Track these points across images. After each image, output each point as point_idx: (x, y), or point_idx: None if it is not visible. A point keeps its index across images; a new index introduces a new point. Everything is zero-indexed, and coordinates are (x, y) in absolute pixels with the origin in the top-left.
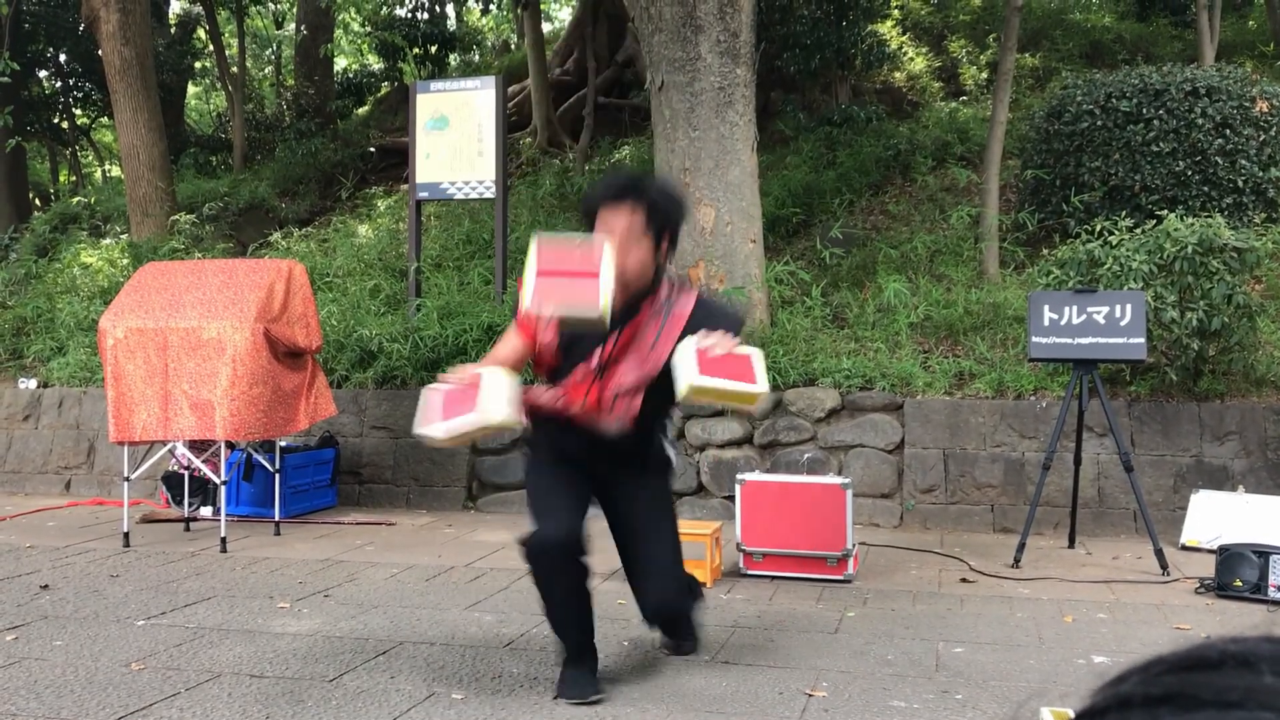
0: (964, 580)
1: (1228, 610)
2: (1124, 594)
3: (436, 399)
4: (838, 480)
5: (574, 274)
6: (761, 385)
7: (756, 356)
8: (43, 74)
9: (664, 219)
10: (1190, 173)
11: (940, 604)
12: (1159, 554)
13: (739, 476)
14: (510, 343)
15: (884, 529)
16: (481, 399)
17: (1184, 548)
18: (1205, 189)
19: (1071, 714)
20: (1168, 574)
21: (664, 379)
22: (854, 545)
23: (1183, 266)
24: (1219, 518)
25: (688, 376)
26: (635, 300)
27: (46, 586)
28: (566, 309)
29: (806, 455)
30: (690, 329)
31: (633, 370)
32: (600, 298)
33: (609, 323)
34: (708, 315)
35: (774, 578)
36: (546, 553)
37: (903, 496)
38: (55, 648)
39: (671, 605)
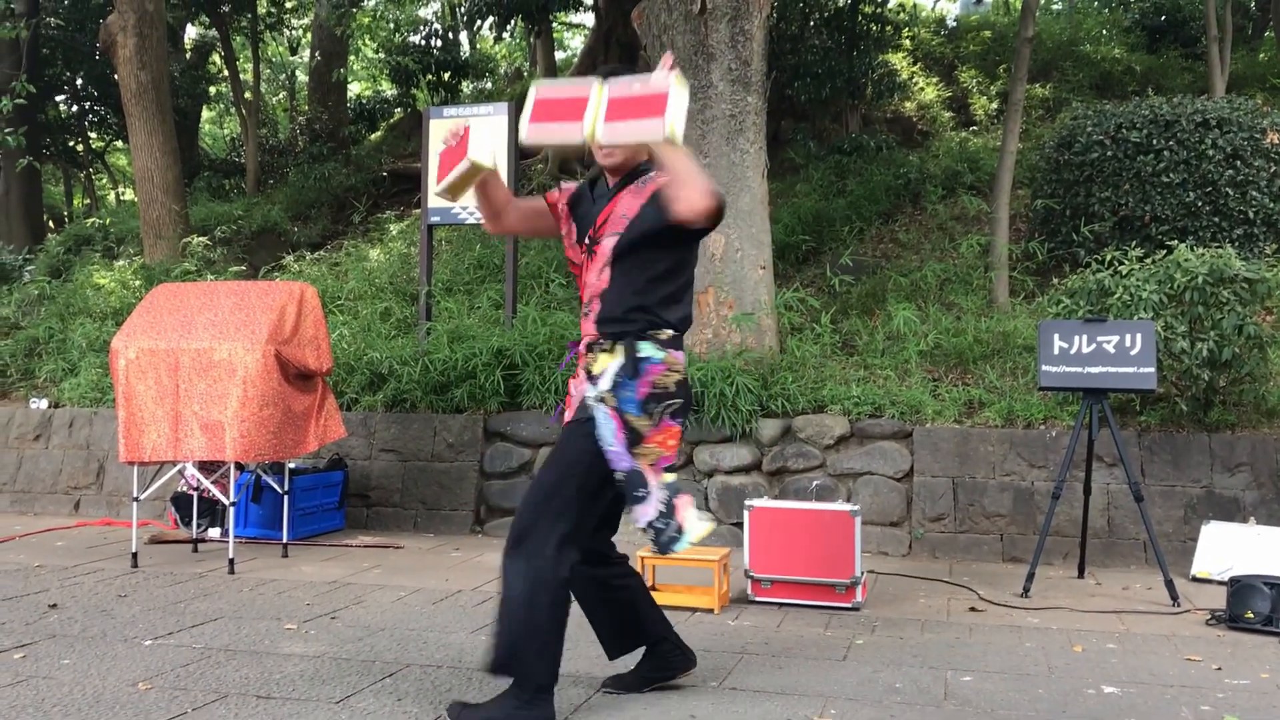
0: (973, 609)
1: (1239, 642)
2: (1134, 624)
3: (442, 155)
4: (846, 507)
5: (637, 102)
6: (671, 122)
7: (675, 91)
8: (59, 97)
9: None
10: (1201, 203)
11: (949, 633)
12: (1169, 585)
13: (747, 503)
14: (532, 202)
15: (892, 557)
16: (470, 146)
17: (1194, 579)
18: (1216, 220)
19: None
20: (1178, 605)
21: (637, 269)
22: (862, 573)
23: (1193, 297)
24: (1230, 549)
25: (596, 122)
26: (624, 181)
27: (55, 606)
28: (635, 135)
29: (815, 483)
30: (654, 197)
31: (607, 240)
32: (665, 125)
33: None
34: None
35: (782, 604)
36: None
37: (911, 525)
38: (63, 666)
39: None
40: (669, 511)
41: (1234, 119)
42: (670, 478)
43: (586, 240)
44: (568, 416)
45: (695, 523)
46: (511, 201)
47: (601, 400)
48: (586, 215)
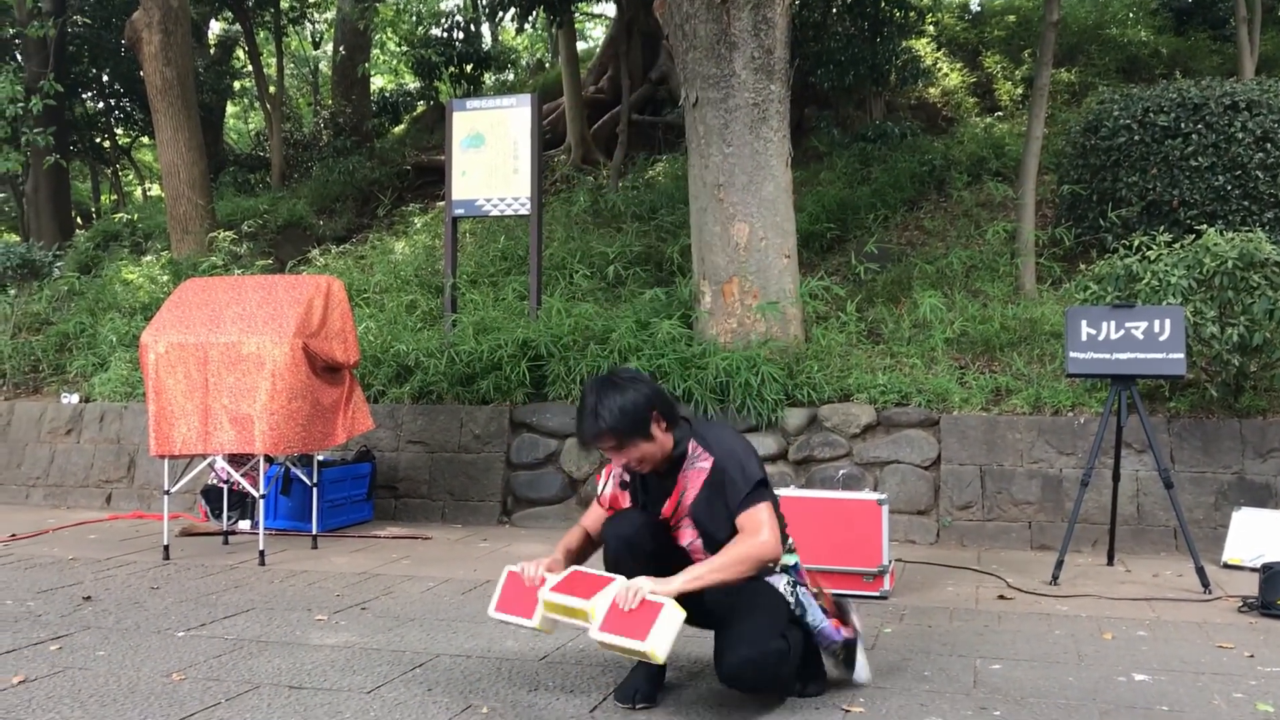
0: (1001, 597)
1: (1271, 629)
2: (1164, 612)
3: (507, 581)
4: (874, 496)
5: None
6: (652, 644)
7: (667, 611)
8: (86, 94)
9: (636, 425)
10: (1230, 187)
11: (977, 621)
12: (1200, 571)
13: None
14: (595, 518)
15: (920, 545)
16: (538, 612)
17: (1226, 566)
18: (1245, 203)
19: None
20: (1209, 592)
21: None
22: (890, 561)
23: (1223, 281)
24: (1262, 536)
25: (592, 630)
26: (671, 470)
27: (89, 598)
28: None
29: (842, 471)
30: (703, 495)
31: (689, 533)
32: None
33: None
34: (720, 488)
35: None
36: None
37: (939, 513)
38: (98, 658)
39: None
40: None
41: (1264, 101)
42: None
43: (670, 524)
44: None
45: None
46: (589, 539)
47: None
48: (648, 499)
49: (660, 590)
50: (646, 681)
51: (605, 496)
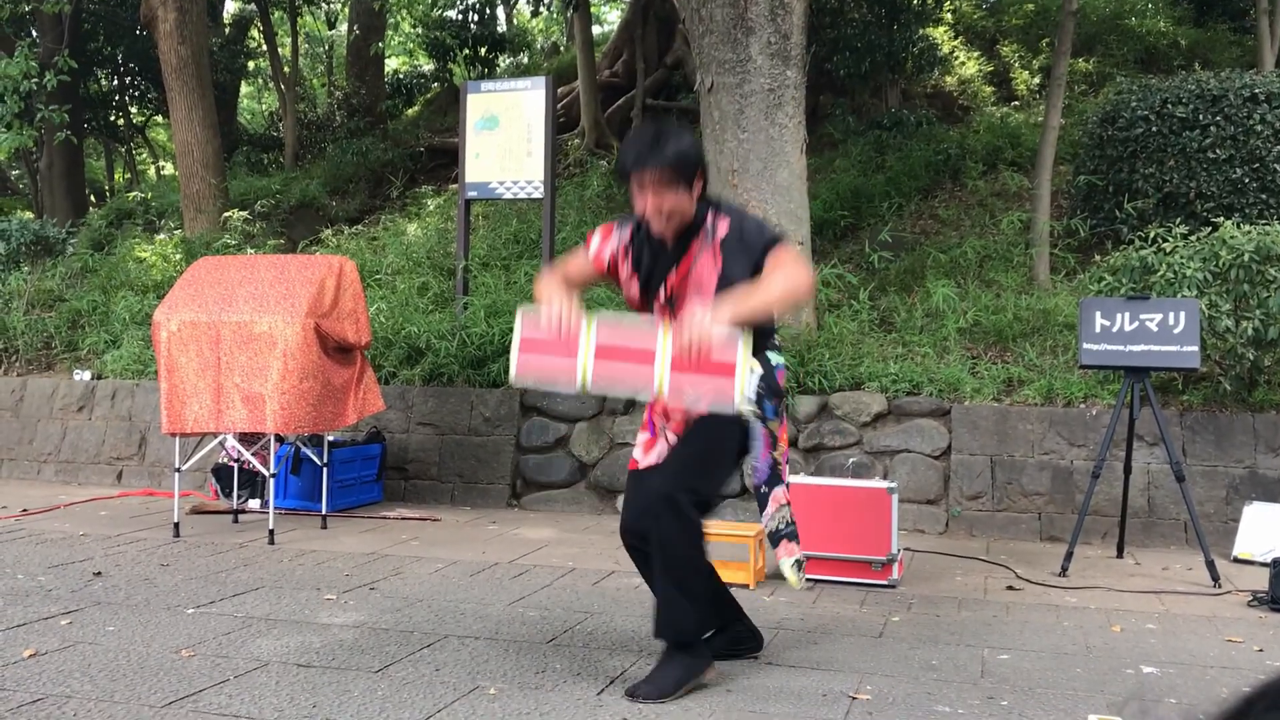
0: (1010, 588)
1: None
2: (1174, 605)
3: (532, 334)
4: (883, 484)
5: (633, 357)
6: (740, 391)
7: (744, 352)
8: (100, 72)
9: (688, 169)
10: (1248, 180)
11: (986, 611)
12: (1210, 565)
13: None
14: (579, 264)
15: (929, 535)
16: (581, 356)
17: (1236, 560)
18: (1263, 196)
19: None
20: (1219, 586)
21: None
22: (899, 550)
23: (1238, 275)
24: (1273, 530)
25: (663, 377)
26: (685, 237)
27: (99, 574)
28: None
29: (852, 460)
30: (725, 253)
31: (695, 303)
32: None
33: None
34: (739, 238)
35: (818, 581)
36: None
37: (949, 503)
38: (108, 633)
39: (659, 490)
40: (773, 539)
41: None
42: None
43: (663, 296)
44: (651, 454)
45: (792, 571)
46: (568, 283)
47: (755, 416)
48: (654, 268)
49: (716, 318)
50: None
51: (600, 257)
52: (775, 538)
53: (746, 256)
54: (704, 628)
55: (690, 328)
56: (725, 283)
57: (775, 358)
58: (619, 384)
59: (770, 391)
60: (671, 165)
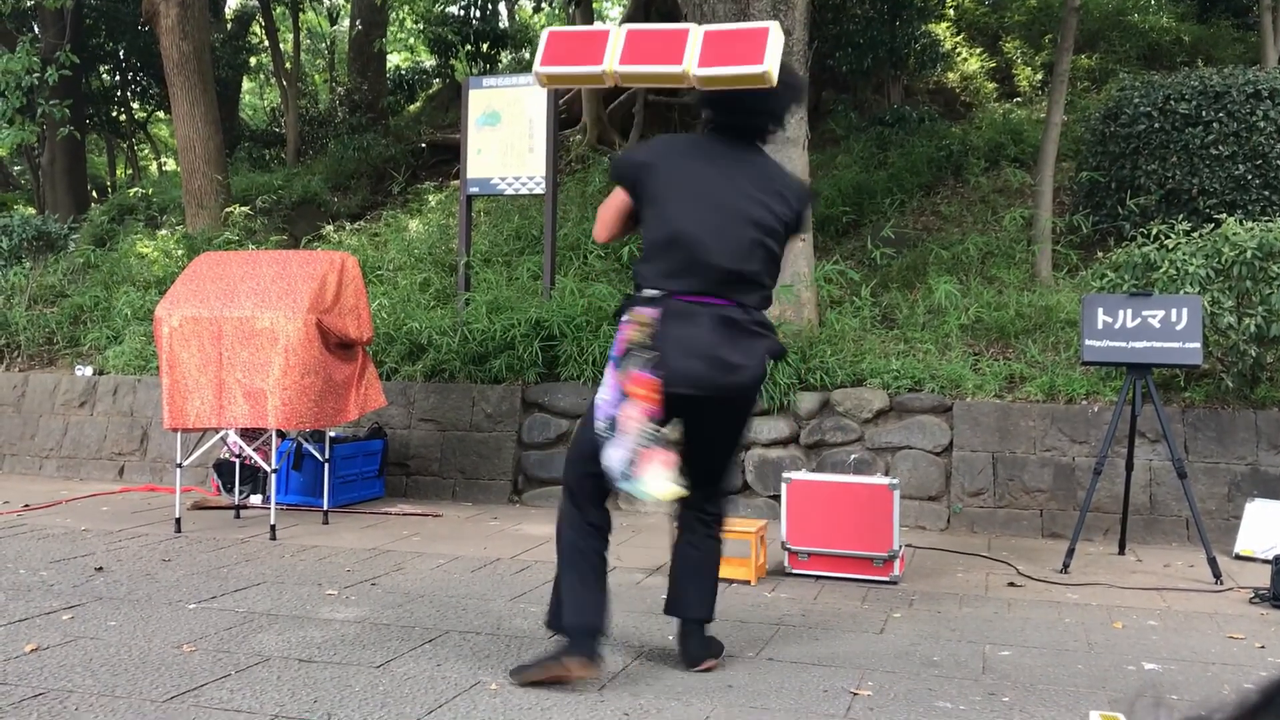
0: (1011, 584)
1: None
2: (1175, 602)
3: (551, 40)
4: (885, 480)
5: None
6: (769, 64)
7: (774, 30)
8: (102, 68)
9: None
10: (1250, 176)
11: (987, 607)
12: (1212, 562)
13: (785, 475)
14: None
15: (931, 532)
16: (608, 53)
17: (1238, 557)
18: (1266, 193)
19: (1122, 718)
20: (1221, 583)
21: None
22: (900, 547)
23: (1241, 271)
24: (1275, 527)
25: (691, 65)
26: None
27: (101, 569)
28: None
29: (853, 456)
30: None
31: None
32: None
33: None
34: None
35: (819, 577)
36: None
37: (950, 499)
38: (109, 628)
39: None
40: (634, 459)
41: None
42: (656, 430)
43: None
44: None
45: (659, 481)
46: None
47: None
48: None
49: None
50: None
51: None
52: (634, 457)
53: None
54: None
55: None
56: None
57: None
58: (643, 75)
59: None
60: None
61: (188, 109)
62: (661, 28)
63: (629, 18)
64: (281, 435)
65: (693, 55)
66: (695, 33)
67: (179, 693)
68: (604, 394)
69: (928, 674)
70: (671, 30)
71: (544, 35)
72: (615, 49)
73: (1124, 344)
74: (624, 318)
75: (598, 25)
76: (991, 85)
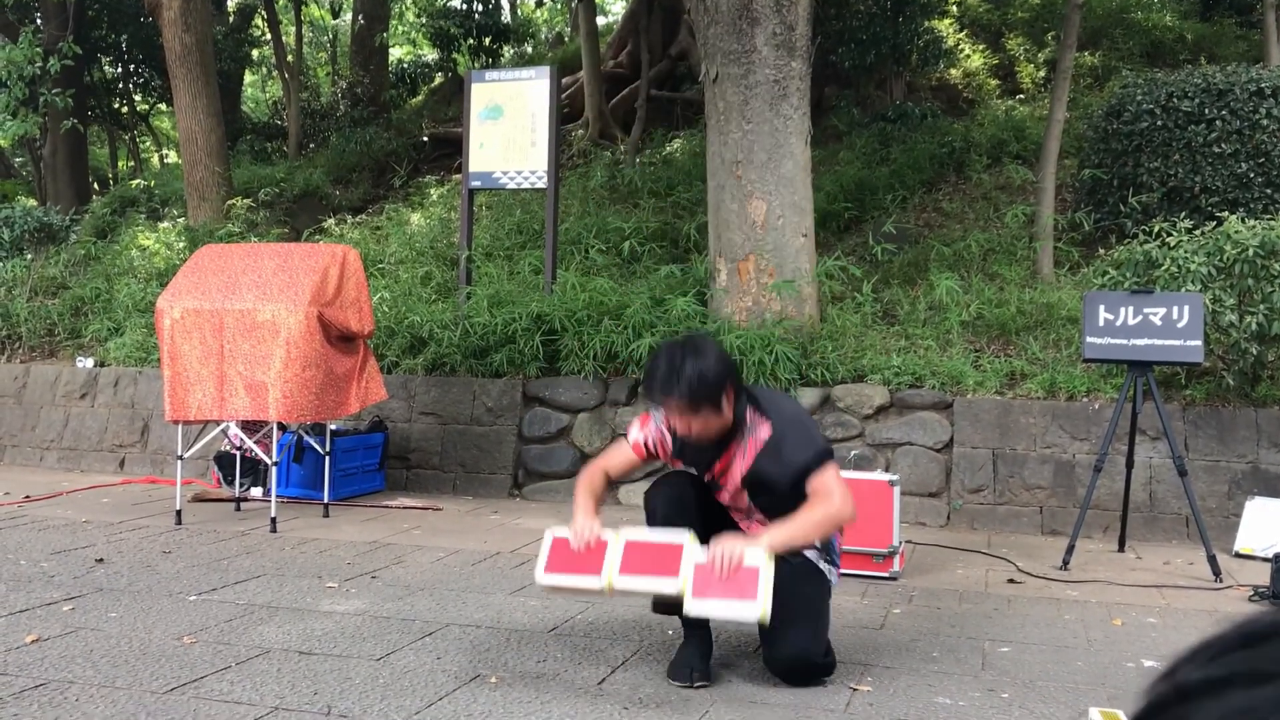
0: (1011, 581)
1: None
2: (1175, 599)
3: (555, 547)
4: (885, 476)
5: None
6: (762, 606)
7: (765, 570)
8: (105, 59)
9: (710, 393)
10: (1253, 174)
11: (987, 604)
12: (1212, 560)
13: None
14: (620, 455)
15: (931, 528)
16: (606, 566)
17: (1237, 555)
18: (1268, 191)
19: (1123, 716)
20: (1220, 581)
21: (786, 499)
22: (900, 543)
23: (1243, 269)
24: (1275, 525)
25: (686, 599)
26: (725, 439)
27: (101, 560)
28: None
29: (854, 452)
30: (763, 459)
31: (727, 495)
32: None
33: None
34: (778, 452)
35: None
36: None
37: (950, 496)
38: (110, 619)
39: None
40: None
41: None
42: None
43: (708, 478)
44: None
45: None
46: (608, 479)
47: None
48: (697, 459)
49: (748, 546)
50: (701, 659)
51: (640, 444)
52: None
53: (781, 470)
54: None
55: (723, 551)
56: (754, 481)
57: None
58: (639, 587)
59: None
60: (688, 395)
61: (190, 101)
62: (659, 541)
63: (633, 12)
64: (282, 428)
65: (687, 581)
66: (688, 554)
67: (179, 684)
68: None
69: (927, 670)
70: (667, 545)
71: (546, 539)
72: (614, 561)
73: (1125, 341)
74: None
75: (605, 534)
76: (994, 82)
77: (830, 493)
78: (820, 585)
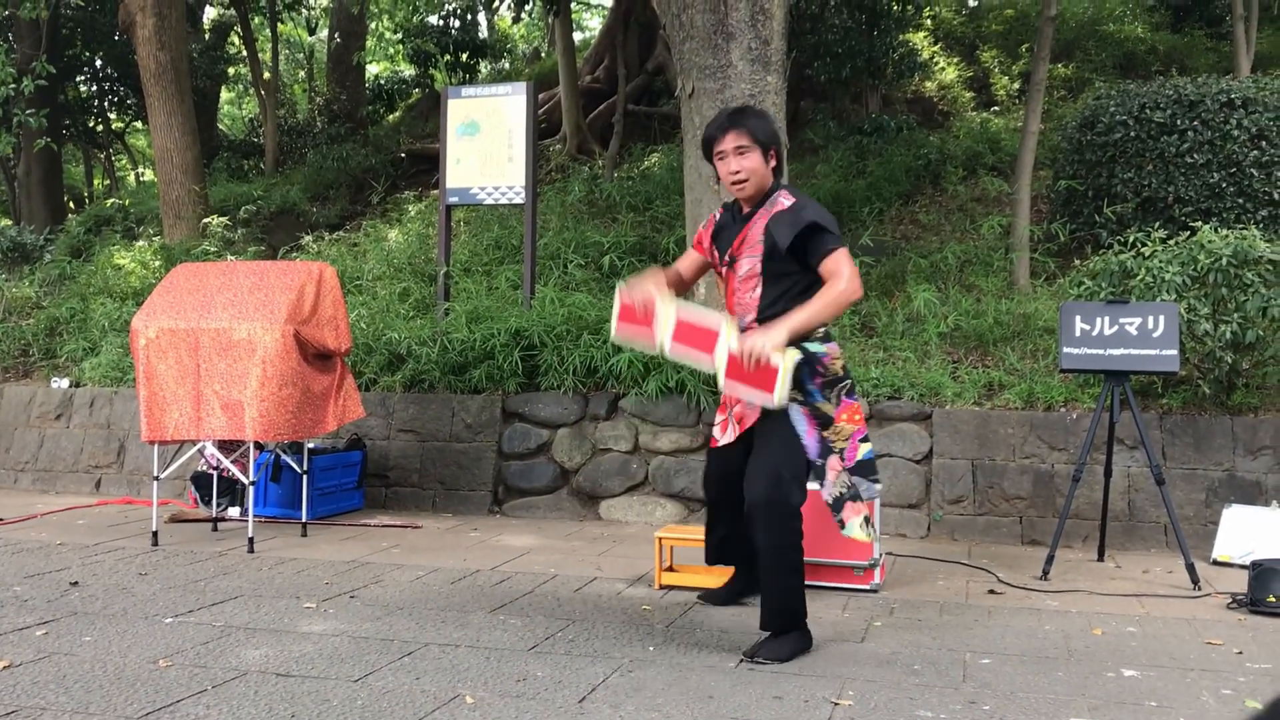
0: (992, 592)
1: (1261, 626)
2: (1154, 608)
3: (622, 310)
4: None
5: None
6: (779, 397)
7: (785, 368)
8: (79, 78)
9: (766, 136)
10: (1225, 185)
11: (968, 615)
12: (1190, 568)
13: None
14: (689, 257)
15: (911, 539)
16: (660, 333)
17: (1216, 563)
18: (1240, 201)
19: None
20: (1199, 589)
21: (783, 279)
22: (881, 555)
23: (1217, 278)
24: (1252, 533)
25: (719, 375)
26: (754, 207)
27: (76, 583)
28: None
29: None
30: (782, 216)
31: (746, 260)
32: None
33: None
34: (794, 214)
35: None
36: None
37: (930, 507)
38: (84, 643)
39: (755, 498)
40: (837, 505)
41: (1260, 99)
42: (866, 448)
43: (727, 259)
44: (726, 435)
45: (854, 528)
46: (681, 277)
47: (793, 400)
48: (727, 238)
49: (770, 342)
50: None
51: (698, 240)
52: (839, 503)
53: (793, 226)
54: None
55: (748, 348)
56: (768, 243)
57: (817, 347)
58: (688, 358)
59: (813, 375)
60: (749, 129)
61: (165, 119)
62: (701, 324)
63: (609, 28)
64: (259, 447)
65: (721, 364)
66: (723, 340)
67: (154, 709)
68: (805, 441)
69: (908, 682)
70: (707, 329)
71: (616, 299)
72: (668, 330)
73: (1102, 351)
74: (819, 351)
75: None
76: (969, 94)
77: (840, 274)
78: (793, 449)
